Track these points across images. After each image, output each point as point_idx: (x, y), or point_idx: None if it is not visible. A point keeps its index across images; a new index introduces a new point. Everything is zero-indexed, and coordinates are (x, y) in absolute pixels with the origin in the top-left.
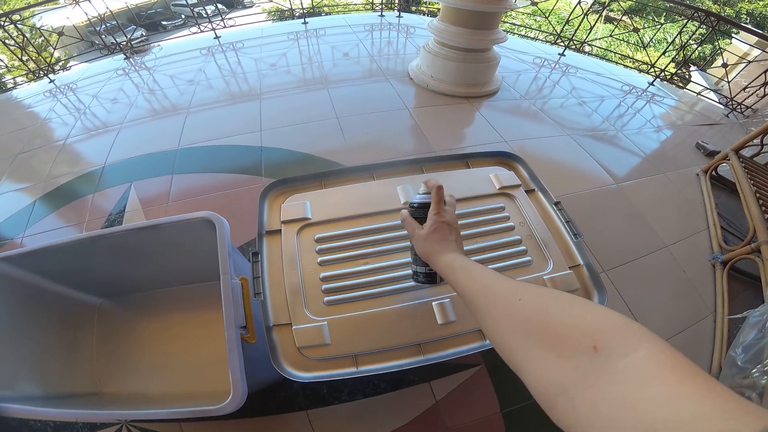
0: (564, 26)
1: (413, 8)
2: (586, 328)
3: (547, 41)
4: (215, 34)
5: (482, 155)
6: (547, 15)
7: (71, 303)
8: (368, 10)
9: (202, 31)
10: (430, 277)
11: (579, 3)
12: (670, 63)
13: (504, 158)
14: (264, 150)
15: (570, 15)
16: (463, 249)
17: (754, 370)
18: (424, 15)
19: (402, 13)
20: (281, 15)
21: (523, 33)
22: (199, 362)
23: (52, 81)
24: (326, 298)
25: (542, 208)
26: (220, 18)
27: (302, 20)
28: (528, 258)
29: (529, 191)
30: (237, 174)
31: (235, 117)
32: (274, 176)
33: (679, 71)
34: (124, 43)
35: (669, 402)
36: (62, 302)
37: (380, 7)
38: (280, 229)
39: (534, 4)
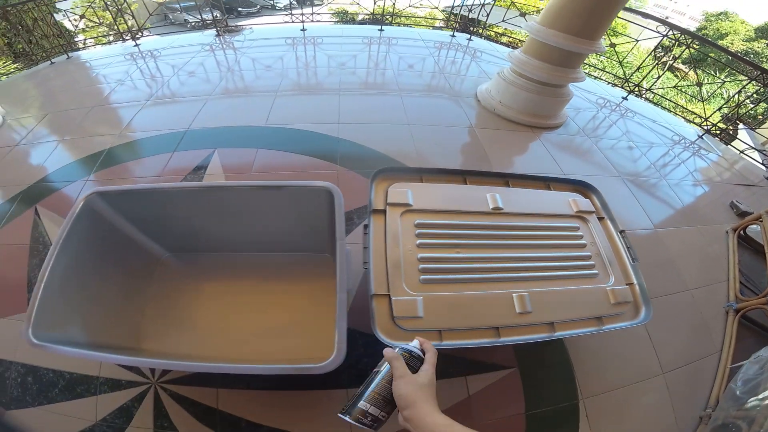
0: (634, 72)
1: (472, 29)
2: None
3: (610, 82)
4: (303, 26)
5: (563, 181)
6: (621, 60)
7: (140, 252)
8: (443, 29)
9: (293, 21)
10: (377, 423)
11: (654, 51)
12: (719, 119)
13: (582, 187)
14: (340, 141)
15: (642, 62)
16: None
17: (750, 400)
18: (492, 41)
19: (472, 37)
20: (344, 18)
21: (587, 71)
22: (252, 331)
23: (137, 45)
24: (422, 277)
25: (609, 234)
26: (311, 12)
27: (379, 27)
28: (595, 271)
29: (600, 218)
30: (315, 158)
31: (317, 107)
32: (348, 166)
33: (727, 127)
34: (221, 21)
35: None
36: (133, 250)
37: (454, 27)
38: (385, 210)
39: (612, 46)
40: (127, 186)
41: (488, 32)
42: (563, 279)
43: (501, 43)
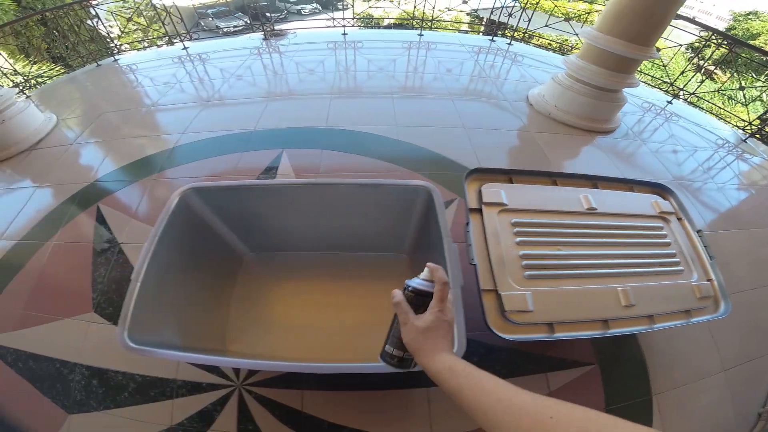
0: (678, 76)
1: (507, 33)
2: None
3: (654, 86)
4: (344, 30)
5: (643, 183)
6: (665, 65)
7: (227, 251)
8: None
9: (334, 26)
10: (405, 363)
11: (697, 55)
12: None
13: (660, 189)
14: (400, 144)
15: (686, 67)
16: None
17: None
18: (532, 45)
19: (513, 42)
20: (368, 23)
21: None
22: (333, 330)
23: (185, 48)
24: (526, 273)
25: (688, 233)
26: (352, 17)
27: (419, 32)
28: (681, 268)
29: (678, 219)
30: (377, 160)
31: (372, 109)
32: (411, 168)
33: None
34: (268, 25)
35: None
36: (221, 248)
37: (488, 31)
38: (481, 209)
39: (657, 50)
40: (225, 182)
41: (517, 35)
42: (654, 275)
43: (541, 47)
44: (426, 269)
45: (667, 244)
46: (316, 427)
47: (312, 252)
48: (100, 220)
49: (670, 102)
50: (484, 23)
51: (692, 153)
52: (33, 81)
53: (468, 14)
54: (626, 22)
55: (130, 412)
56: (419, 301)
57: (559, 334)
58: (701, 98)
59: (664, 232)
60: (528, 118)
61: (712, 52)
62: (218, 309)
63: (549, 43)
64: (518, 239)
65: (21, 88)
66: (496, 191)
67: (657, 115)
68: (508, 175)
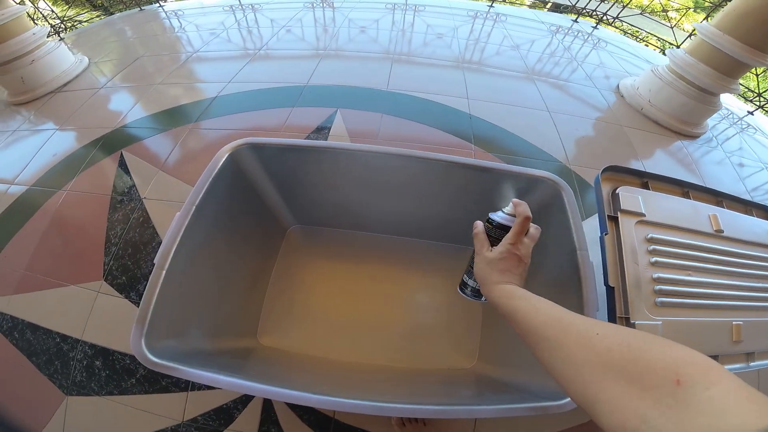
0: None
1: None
2: (669, 363)
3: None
4: None
5: (704, 190)
6: (758, 73)
7: (271, 221)
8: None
9: None
10: (477, 294)
11: None
12: None
13: None
14: (473, 119)
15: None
16: (524, 285)
17: None
18: (619, 32)
19: (598, 25)
20: None
21: None
22: (377, 327)
23: None
24: (658, 299)
25: None
26: None
27: (490, 3)
28: None
29: None
30: (446, 133)
31: (441, 78)
32: (485, 148)
33: None
34: None
35: (750, 429)
36: (265, 217)
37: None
38: (616, 217)
39: None
40: (290, 140)
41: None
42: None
43: (629, 35)
44: (510, 204)
45: None
46: None
47: (368, 233)
48: (123, 169)
49: (751, 113)
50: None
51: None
52: (69, 23)
53: None
54: (751, 24)
55: (136, 401)
56: (498, 234)
57: None
58: None
59: None
60: (617, 110)
61: None
62: (253, 294)
63: (638, 33)
64: (653, 259)
65: (56, 29)
66: (634, 197)
67: (732, 124)
68: (641, 179)
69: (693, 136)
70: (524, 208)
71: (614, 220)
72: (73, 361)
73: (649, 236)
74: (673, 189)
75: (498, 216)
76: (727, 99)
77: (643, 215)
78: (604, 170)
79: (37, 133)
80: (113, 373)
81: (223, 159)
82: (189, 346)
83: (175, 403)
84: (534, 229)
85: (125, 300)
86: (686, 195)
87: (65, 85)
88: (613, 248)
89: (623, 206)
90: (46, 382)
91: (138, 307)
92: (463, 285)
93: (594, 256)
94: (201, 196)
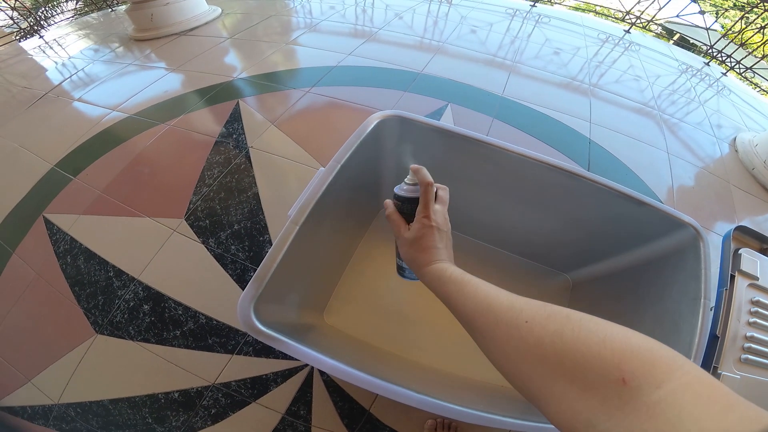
0: None
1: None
2: (610, 359)
3: None
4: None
5: None
6: None
7: (372, 198)
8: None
9: None
10: (409, 273)
11: None
12: None
13: None
14: (592, 144)
15: None
16: (452, 255)
17: None
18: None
19: (728, 73)
20: None
21: None
22: (435, 327)
23: None
24: (744, 356)
25: None
26: None
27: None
28: None
29: None
30: (559, 152)
31: (562, 97)
32: (601, 174)
33: None
34: None
35: None
36: (371, 193)
37: (709, 50)
38: (734, 275)
39: None
40: (438, 122)
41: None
42: None
43: (761, 90)
44: (410, 171)
45: None
46: (374, 431)
47: (465, 236)
48: (236, 116)
49: None
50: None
51: None
52: None
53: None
54: None
55: (171, 354)
56: (410, 209)
57: None
58: None
59: None
60: (728, 164)
61: None
62: (338, 270)
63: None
64: (752, 319)
65: None
66: (754, 261)
67: None
68: (762, 244)
69: None
70: (424, 174)
71: (731, 278)
72: (119, 299)
73: (755, 299)
74: None
75: (402, 190)
76: None
77: (757, 279)
78: (736, 229)
79: (151, 70)
80: (158, 321)
81: (373, 125)
82: (282, 316)
83: (214, 363)
84: (442, 191)
85: (201, 246)
86: None
87: (192, 30)
88: (725, 303)
89: (742, 267)
90: (80, 316)
91: (230, 262)
92: (400, 269)
93: None
94: (348, 156)
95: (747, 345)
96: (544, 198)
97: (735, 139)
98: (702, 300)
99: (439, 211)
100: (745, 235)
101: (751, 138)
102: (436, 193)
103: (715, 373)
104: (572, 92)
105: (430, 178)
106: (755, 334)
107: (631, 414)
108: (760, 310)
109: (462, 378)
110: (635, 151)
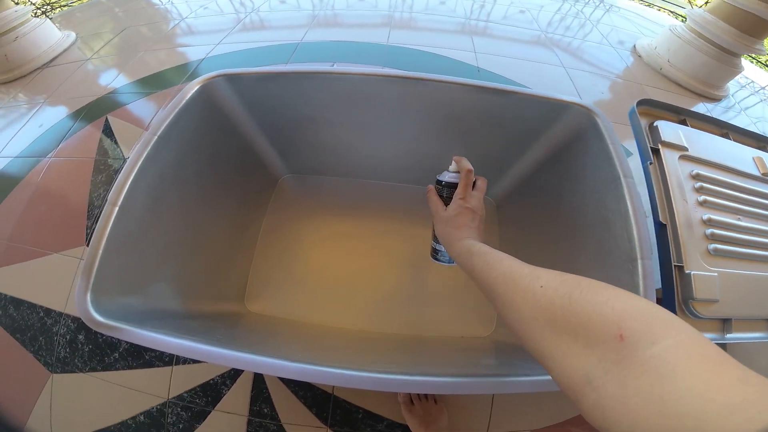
0: None
1: None
2: (611, 316)
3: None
4: None
5: (746, 133)
6: None
7: (258, 170)
8: None
9: None
10: (448, 257)
11: None
12: None
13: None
14: (482, 72)
15: None
16: (482, 236)
17: None
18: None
19: None
20: None
21: None
22: (378, 291)
23: None
24: (712, 246)
25: None
26: None
27: None
28: None
29: None
30: None
31: (444, 37)
32: None
33: None
34: None
35: (698, 394)
36: (251, 165)
37: None
38: (658, 149)
39: None
40: (273, 67)
41: None
42: None
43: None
44: (453, 162)
45: None
46: (347, 416)
47: (370, 180)
48: (107, 132)
49: None
50: None
51: None
52: (56, 5)
53: None
54: None
55: (120, 378)
56: (449, 193)
57: (736, 335)
58: None
59: None
60: (635, 70)
61: None
62: (239, 252)
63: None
64: (701, 198)
65: (42, 10)
66: (674, 130)
67: (753, 93)
68: (678, 115)
69: (714, 99)
70: (465, 162)
71: (656, 153)
72: (56, 336)
73: (694, 172)
74: (712, 128)
75: (445, 176)
76: (748, 70)
77: (686, 149)
78: (640, 102)
79: (23, 108)
80: (96, 347)
81: (192, 91)
82: (153, 306)
83: (159, 378)
84: (480, 181)
85: None
86: (725, 136)
87: (52, 60)
88: (658, 182)
89: (664, 138)
90: (31, 359)
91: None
92: (434, 252)
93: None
94: (164, 127)
95: (709, 231)
96: (419, 117)
97: (635, 46)
98: (622, 179)
99: (475, 196)
100: (656, 109)
101: (650, 42)
102: (474, 181)
103: (682, 274)
104: (463, 35)
105: (470, 166)
106: (713, 216)
107: (626, 369)
108: (706, 185)
109: (411, 337)
110: (531, 73)
